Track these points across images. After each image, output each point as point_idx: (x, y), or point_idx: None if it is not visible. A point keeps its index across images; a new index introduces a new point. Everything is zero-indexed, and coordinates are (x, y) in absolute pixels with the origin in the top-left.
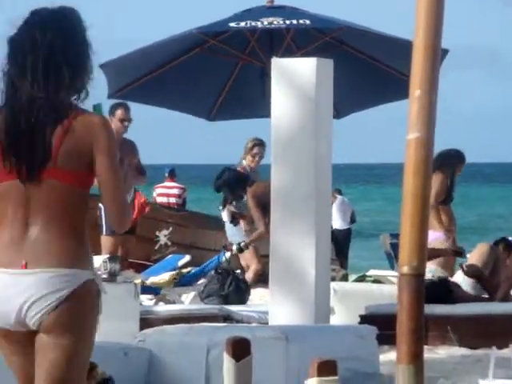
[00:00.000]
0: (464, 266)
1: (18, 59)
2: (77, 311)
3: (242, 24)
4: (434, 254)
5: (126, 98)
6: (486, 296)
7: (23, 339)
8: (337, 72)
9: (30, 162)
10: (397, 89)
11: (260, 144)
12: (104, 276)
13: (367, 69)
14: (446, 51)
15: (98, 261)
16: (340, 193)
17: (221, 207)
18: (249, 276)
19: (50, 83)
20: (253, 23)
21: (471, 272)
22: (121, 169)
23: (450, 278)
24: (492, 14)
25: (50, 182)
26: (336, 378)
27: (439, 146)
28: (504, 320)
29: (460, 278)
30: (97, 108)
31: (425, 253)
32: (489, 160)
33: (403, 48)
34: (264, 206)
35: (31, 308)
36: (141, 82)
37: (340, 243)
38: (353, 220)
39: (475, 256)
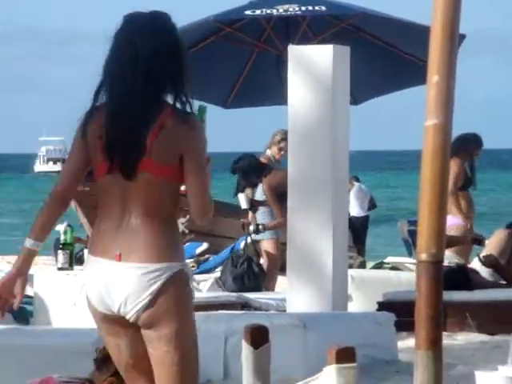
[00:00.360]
0: (481, 257)
1: (118, 61)
2: (171, 303)
3: (258, 12)
4: (454, 241)
5: None
6: (505, 282)
7: (117, 323)
8: (353, 58)
9: (127, 157)
10: (414, 75)
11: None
12: None
13: (384, 55)
14: (463, 36)
15: None
16: (357, 180)
17: (235, 192)
18: (264, 263)
19: (148, 84)
20: (268, 11)
21: (489, 262)
22: (206, 167)
23: (467, 265)
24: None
25: (144, 175)
26: (354, 364)
27: (456, 132)
28: None
29: (478, 265)
30: (201, 109)
31: (443, 240)
32: (505, 146)
33: (420, 33)
34: (281, 196)
35: (126, 304)
36: None
37: (357, 230)
38: (373, 205)
39: (493, 243)
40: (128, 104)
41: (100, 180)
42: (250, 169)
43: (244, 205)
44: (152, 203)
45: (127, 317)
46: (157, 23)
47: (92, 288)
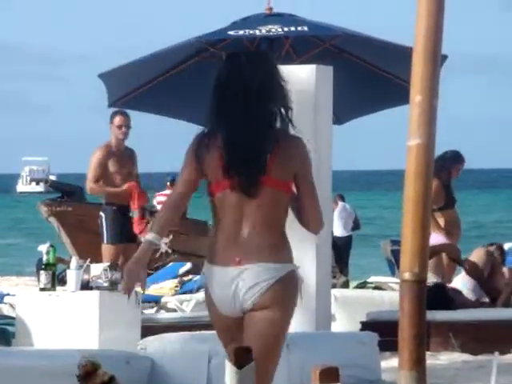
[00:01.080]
0: (466, 266)
1: (230, 95)
2: (282, 293)
3: (241, 32)
4: (432, 251)
5: (127, 106)
6: (487, 300)
7: (233, 325)
8: (337, 79)
9: (249, 174)
10: (397, 94)
11: None
12: (105, 284)
13: (367, 75)
14: (445, 57)
15: (99, 269)
16: (343, 198)
17: None
18: None
19: (260, 112)
20: (251, 31)
21: (473, 271)
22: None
23: (447, 284)
24: (490, 21)
25: (264, 189)
26: None
27: (440, 152)
28: (505, 326)
29: (459, 284)
30: None
31: (426, 259)
32: (490, 166)
33: (402, 54)
34: None
35: (247, 294)
36: (141, 91)
37: (340, 250)
38: (357, 226)
39: (472, 260)
40: (244, 132)
41: (218, 195)
42: None
43: None
44: (270, 213)
45: (245, 305)
46: (261, 59)
47: (218, 295)
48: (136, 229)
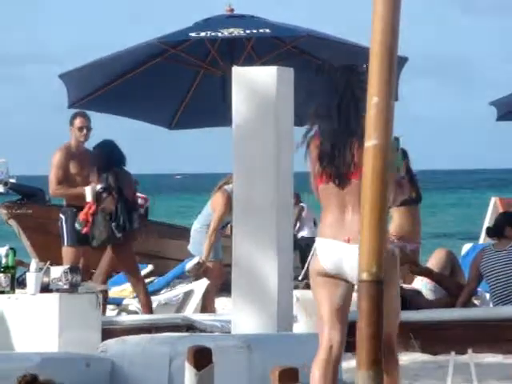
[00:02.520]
0: (410, 267)
1: (325, 106)
2: (390, 267)
3: (202, 34)
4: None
5: (87, 107)
6: (447, 299)
7: (336, 279)
8: (298, 80)
9: (342, 169)
10: None
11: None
12: (65, 287)
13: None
14: (405, 59)
15: (59, 272)
16: (299, 197)
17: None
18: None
19: (349, 118)
20: (213, 33)
21: (417, 271)
22: None
23: (404, 286)
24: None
25: (353, 180)
26: None
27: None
28: (465, 326)
29: (419, 284)
30: (397, 140)
31: (383, 259)
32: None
33: (365, 56)
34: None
35: (353, 271)
36: (101, 92)
37: (303, 251)
38: (316, 225)
39: (432, 261)
40: (337, 138)
41: (321, 186)
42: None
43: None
44: (357, 199)
45: (352, 280)
46: (351, 74)
47: (326, 256)
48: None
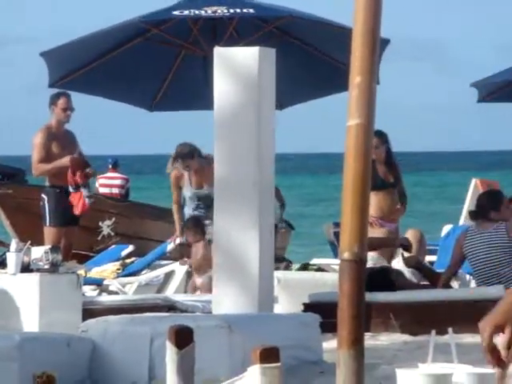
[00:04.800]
0: (404, 257)
1: None
2: None
3: (186, 12)
4: (378, 243)
5: (68, 87)
6: (427, 283)
7: None
8: (280, 62)
9: None
10: (340, 81)
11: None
12: (45, 267)
13: (311, 59)
14: (387, 41)
15: (40, 252)
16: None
17: None
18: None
19: None
20: (196, 11)
21: (412, 263)
22: None
23: (391, 266)
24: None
25: None
26: (278, 364)
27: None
28: (445, 306)
29: (401, 265)
30: None
31: (365, 238)
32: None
33: (348, 37)
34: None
35: None
36: (82, 72)
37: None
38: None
39: (411, 255)
40: None
41: None
42: None
43: None
44: None
45: None
46: None
47: None
48: (76, 208)
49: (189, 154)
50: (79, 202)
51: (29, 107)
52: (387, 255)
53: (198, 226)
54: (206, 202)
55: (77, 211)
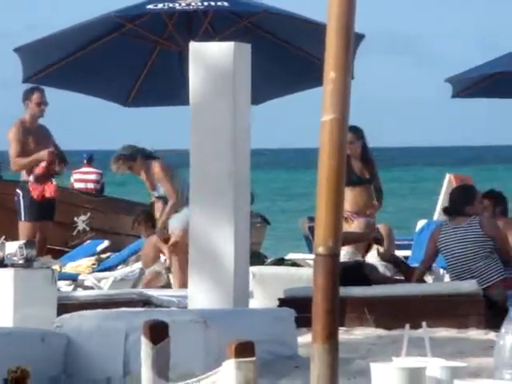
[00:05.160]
0: (379, 252)
1: None
2: None
3: (160, 5)
4: (353, 238)
5: (42, 82)
6: (402, 278)
7: None
8: (255, 57)
9: None
10: (315, 76)
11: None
12: (20, 262)
13: (285, 55)
14: (361, 36)
15: (14, 247)
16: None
17: None
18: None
19: None
20: (170, 4)
21: (387, 257)
22: None
23: (365, 260)
24: (415, 2)
25: None
26: (253, 359)
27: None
28: (419, 301)
29: (375, 259)
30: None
31: (340, 233)
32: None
33: (322, 32)
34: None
35: None
36: (57, 67)
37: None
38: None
39: (385, 248)
40: None
41: None
42: None
43: None
44: None
45: None
46: None
47: None
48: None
49: (131, 156)
50: (49, 187)
51: (3, 102)
52: (362, 249)
53: (148, 220)
54: (166, 201)
55: (48, 194)
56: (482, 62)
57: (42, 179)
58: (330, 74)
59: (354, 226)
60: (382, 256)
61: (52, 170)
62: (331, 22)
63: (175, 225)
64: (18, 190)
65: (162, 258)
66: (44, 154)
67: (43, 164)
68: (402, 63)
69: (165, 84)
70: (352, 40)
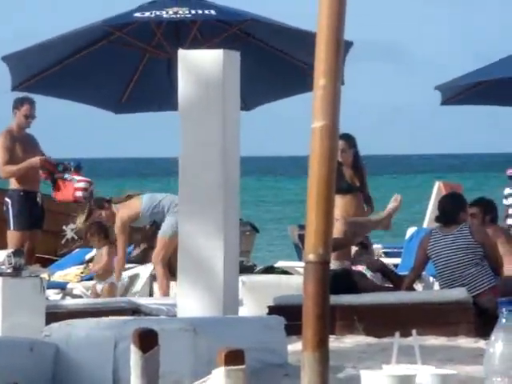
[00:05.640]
0: (368, 263)
1: None
2: None
3: (147, 14)
4: (339, 244)
5: (31, 90)
6: (391, 285)
7: None
8: (244, 64)
9: None
10: (305, 81)
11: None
12: (8, 271)
13: (275, 61)
14: (350, 43)
15: (2, 255)
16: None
17: None
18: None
19: None
20: (157, 13)
21: (375, 268)
22: None
23: (352, 267)
24: (396, 10)
25: None
26: (243, 367)
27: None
28: (409, 309)
29: (362, 268)
30: None
31: (330, 241)
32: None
33: (310, 40)
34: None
35: None
36: (46, 74)
37: None
38: None
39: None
40: None
41: None
42: None
43: None
44: None
45: None
46: None
47: None
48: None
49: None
50: (67, 187)
51: None
52: (348, 255)
53: (101, 231)
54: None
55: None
56: (471, 70)
57: (57, 186)
58: (320, 80)
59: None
60: (370, 266)
61: (54, 173)
62: (321, 29)
63: (165, 231)
64: (6, 199)
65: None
66: (35, 160)
67: (42, 173)
68: (390, 70)
69: (154, 90)
70: (342, 47)
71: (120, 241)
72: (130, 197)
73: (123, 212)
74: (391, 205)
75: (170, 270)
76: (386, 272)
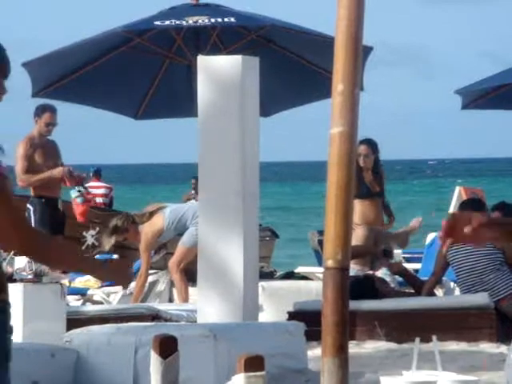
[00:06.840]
0: (389, 264)
1: None
2: None
3: (167, 22)
4: (359, 252)
5: (51, 96)
6: (412, 291)
7: None
8: (264, 70)
9: None
10: (325, 87)
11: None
12: (29, 277)
13: (295, 67)
14: (370, 48)
15: (23, 262)
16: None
17: None
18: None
19: None
20: (177, 21)
21: (396, 270)
22: None
23: (374, 273)
24: (416, 15)
25: None
26: (263, 373)
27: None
28: (430, 314)
29: (381, 273)
30: None
31: (349, 246)
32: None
33: (331, 46)
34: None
35: None
36: (66, 81)
37: None
38: None
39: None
40: None
41: None
42: None
43: None
44: None
45: None
46: None
47: None
48: (78, 215)
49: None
50: (80, 206)
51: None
52: (367, 262)
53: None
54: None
55: (80, 217)
56: (486, 75)
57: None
58: (339, 86)
59: (356, 234)
60: (391, 268)
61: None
62: (339, 34)
63: (185, 240)
64: (28, 206)
65: None
66: (58, 172)
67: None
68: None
69: (174, 96)
70: (360, 52)
71: (144, 259)
72: (151, 214)
73: (147, 231)
74: (412, 224)
75: (187, 276)
76: (407, 275)
